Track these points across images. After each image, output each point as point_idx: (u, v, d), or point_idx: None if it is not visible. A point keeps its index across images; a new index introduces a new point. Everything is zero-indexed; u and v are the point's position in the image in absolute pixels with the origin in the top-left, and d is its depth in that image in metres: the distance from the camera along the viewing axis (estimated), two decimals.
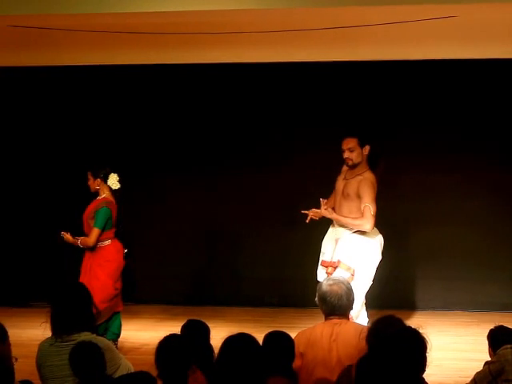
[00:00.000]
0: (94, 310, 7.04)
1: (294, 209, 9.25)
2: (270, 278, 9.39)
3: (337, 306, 4.90)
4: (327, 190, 7.97)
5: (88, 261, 7.59)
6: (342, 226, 7.20)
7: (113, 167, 7.55)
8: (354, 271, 7.09)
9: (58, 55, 8.56)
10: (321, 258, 7.44)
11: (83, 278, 7.46)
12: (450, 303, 9.19)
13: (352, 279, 7.06)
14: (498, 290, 9.10)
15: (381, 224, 7.63)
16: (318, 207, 7.21)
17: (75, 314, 4.76)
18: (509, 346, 4.11)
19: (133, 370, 4.73)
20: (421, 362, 3.84)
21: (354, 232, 7.12)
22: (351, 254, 7.12)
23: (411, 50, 8.06)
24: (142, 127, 9.64)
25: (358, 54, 8.22)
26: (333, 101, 9.20)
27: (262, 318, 8.69)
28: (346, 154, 7.12)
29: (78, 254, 9.51)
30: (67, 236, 7.57)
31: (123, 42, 8.16)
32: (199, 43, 8.06)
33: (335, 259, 7.16)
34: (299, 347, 4.84)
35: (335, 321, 4.90)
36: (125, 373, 4.57)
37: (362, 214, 6.96)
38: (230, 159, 9.50)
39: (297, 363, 4.80)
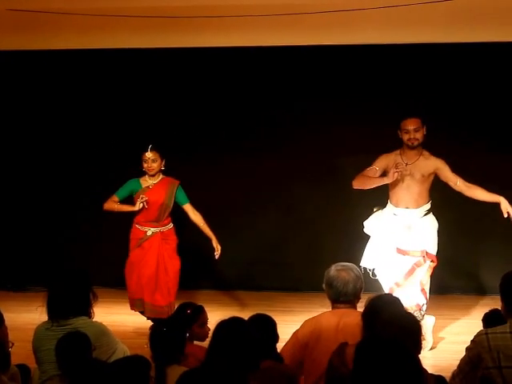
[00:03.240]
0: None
1: (291, 193, 9.26)
2: (266, 261, 9.37)
3: (342, 293, 4.74)
4: (325, 174, 7.91)
5: (160, 245, 7.39)
6: (407, 206, 7.01)
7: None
8: (435, 258, 7.01)
9: (60, 38, 8.52)
10: (379, 243, 7.11)
11: (158, 265, 7.32)
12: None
13: (435, 264, 7.00)
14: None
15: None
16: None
17: (73, 299, 4.76)
18: (483, 331, 4.11)
19: (129, 354, 4.75)
20: (416, 345, 3.85)
21: (424, 215, 7.00)
22: (433, 241, 7.01)
23: (405, 33, 8.03)
24: (158, 110, 9.46)
25: (366, 38, 8.18)
26: (340, 84, 9.08)
27: (258, 301, 8.67)
28: (412, 135, 6.84)
29: (74, 237, 9.54)
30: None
31: (126, 26, 8.16)
32: (216, 26, 8.02)
33: (419, 248, 6.97)
34: (303, 337, 4.73)
35: (343, 310, 4.75)
36: (121, 357, 4.60)
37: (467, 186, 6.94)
38: (224, 142, 9.40)
39: (297, 352, 4.71)
